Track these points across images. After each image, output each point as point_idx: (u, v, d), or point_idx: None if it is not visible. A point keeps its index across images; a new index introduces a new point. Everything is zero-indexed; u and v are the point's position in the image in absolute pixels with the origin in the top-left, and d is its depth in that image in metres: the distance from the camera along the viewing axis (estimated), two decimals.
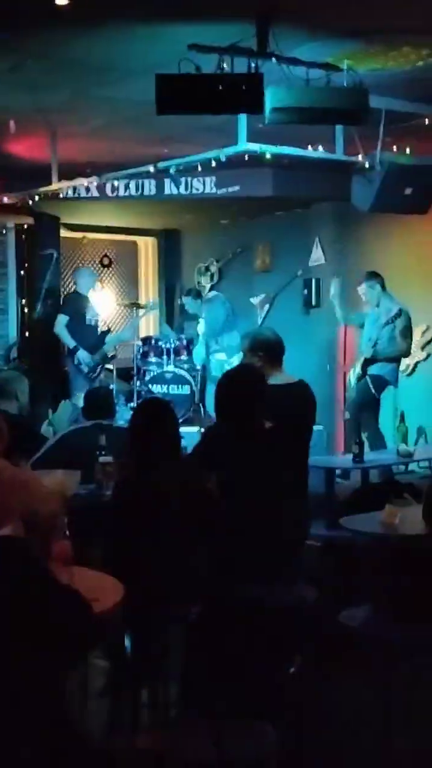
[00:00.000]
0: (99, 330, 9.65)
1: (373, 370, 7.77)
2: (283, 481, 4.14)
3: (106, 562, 3.75)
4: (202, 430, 4.97)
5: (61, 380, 9.49)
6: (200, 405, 9.21)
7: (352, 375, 8.00)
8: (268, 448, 4.16)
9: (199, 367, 9.54)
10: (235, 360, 8.35)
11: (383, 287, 7.97)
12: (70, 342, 9.30)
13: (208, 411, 8.55)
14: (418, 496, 4.81)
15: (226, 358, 8.83)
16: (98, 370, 9.40)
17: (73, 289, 9.91)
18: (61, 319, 9.39)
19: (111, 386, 9.27)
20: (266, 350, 4.90)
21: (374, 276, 8.02)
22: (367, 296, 8.02)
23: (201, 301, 9.88)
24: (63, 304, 9.80)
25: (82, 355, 9.26)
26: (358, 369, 7.88)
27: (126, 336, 9.99)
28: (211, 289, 11.19)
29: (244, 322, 9.41)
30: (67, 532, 3.37)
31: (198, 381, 9.47)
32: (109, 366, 10.10)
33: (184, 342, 9.74)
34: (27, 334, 10.83)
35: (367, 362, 7.80)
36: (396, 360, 7.93)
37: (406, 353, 8.02)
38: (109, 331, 9.85)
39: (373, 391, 7.74)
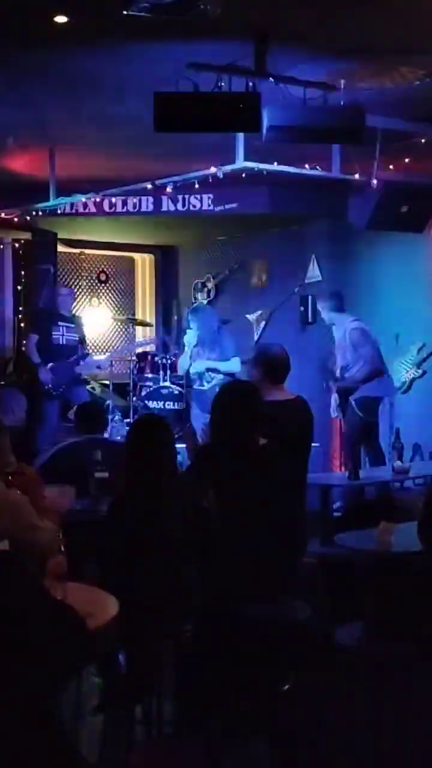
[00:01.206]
0: (79, 350, 9.51)
1: (356, 394, 7.74)
2: (278, 498, 4.13)
3: (101, 577, 3.75)
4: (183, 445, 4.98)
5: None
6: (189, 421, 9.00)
7: (333, 401, 7.99)
8: (261, 466, 4.16)
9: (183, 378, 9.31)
10: (215, 375, 8.22)
11: (336, 308, 7.93)
12: (35, 359, 9.21)
13: (192, 426, 8.32)
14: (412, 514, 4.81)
15: (204, 371, 8.52)
16: (61, 389, 9.27)
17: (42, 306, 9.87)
18: (32, 339, 9.30)
19: (107, 402, 9.26)
20: (267, 365, 4.95)
21: (328, 296, 8.06)
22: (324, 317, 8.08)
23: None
24: (32, 323, 9.76)
25: (43, 373, 9.10)
26: (336, 397, 7.88)
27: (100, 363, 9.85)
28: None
29: (242, 338, 9.41)
30: (62, 548, 3.38)
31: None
32: (105, 381, 10.09)
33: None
34: (23, 349, 10.83)
35: (342, 390, 7.80)
36: (377, 375, 7.80)
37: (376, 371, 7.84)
38: (87, 354, 9.70)
39: (360, 414, 7.70)
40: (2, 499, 3.58)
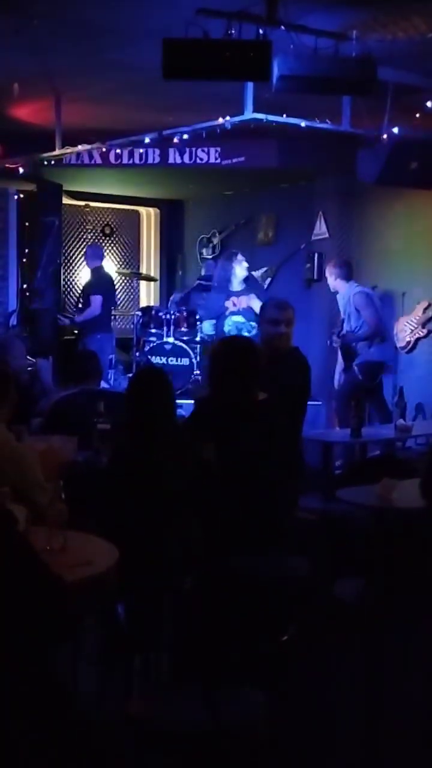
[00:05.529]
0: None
1: (359, 359, 7.76)
2: (274, 453, 4.12)
3: (101, 529, 3.74)
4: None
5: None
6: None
7: (338, 366, 8.00)
8: (261, 421, 4.15)
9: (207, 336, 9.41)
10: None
11: (343, 276, 7.93)
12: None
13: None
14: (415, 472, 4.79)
15: (244, 320, 8.77)
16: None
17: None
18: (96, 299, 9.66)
19: (111, 356, 9.27)
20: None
21: (335, 264, 8.05)
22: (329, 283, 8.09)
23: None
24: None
25: None
26: (341, 361, 7.90)
27: None
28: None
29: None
30: (63, 496, 3.37)
31: (199, 353, 9.39)
32: None
33: (185, 313, 9.64)
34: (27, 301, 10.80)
35: (346, 354, 7.80)
36: (378, 336, 7.83)
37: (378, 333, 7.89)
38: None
39: (360, 378, 7.73)
40: (14, 448, 3.57)
